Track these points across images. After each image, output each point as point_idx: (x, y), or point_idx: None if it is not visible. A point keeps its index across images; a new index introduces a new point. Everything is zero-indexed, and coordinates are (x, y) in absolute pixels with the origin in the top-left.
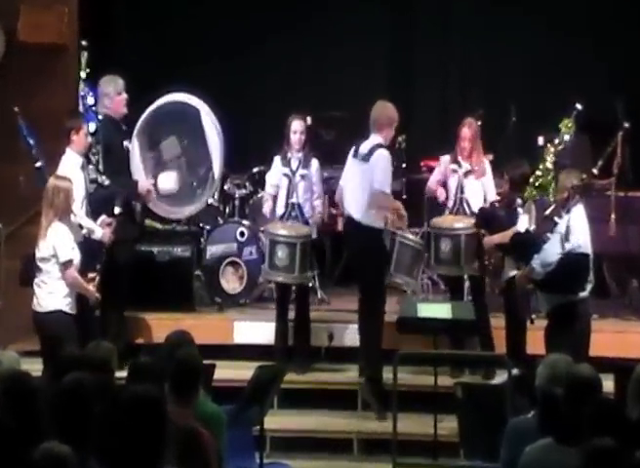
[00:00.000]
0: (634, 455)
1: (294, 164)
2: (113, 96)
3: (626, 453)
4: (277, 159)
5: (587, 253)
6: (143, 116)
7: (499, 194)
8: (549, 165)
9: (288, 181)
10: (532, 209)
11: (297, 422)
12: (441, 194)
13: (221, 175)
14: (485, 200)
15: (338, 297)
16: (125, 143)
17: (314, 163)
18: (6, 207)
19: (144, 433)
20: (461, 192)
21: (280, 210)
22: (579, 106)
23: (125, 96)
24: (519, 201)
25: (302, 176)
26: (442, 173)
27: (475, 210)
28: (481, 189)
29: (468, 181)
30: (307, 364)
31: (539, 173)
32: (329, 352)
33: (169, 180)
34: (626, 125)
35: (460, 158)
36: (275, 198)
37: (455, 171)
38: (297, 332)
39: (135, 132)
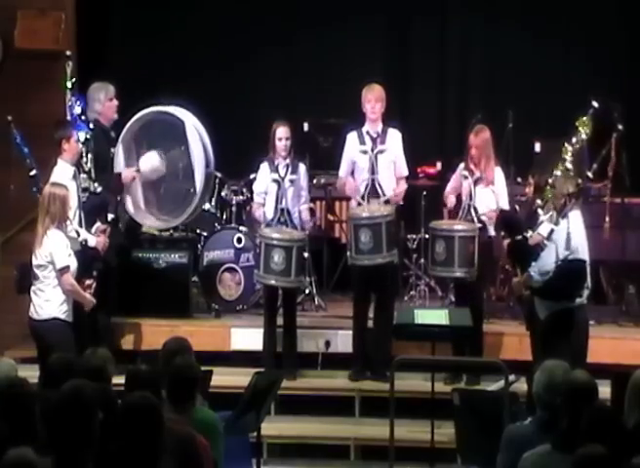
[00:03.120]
0: (630, 462)
1: (282, 170)
2: (104, 101)
3: (617, 460)
4: (264, 166)
5: (584, 260)
6: (129, 123)
7: (522, 201)
8: (569, 165)
9: (277, 187)
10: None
11: (294, 429)
12: (450, 202)
13: (204, 190)
14: (499, 210)
15: (335, 304)
16: (112, 150)
17: (302, 168)
18: (1, 214)
19: (141, 440)
20: (470, 199)
21: (269, 215)
22: (595, 104)
23: (116, 102)
24: (539, 202)
25: (292, 182)
26: (456, 179)
27: (483, 218)
28: (491, 197)
29: (478, 189)
30: (296, 369)
31: (558, 173)
32: (326, 358)
33: (149, 160)
34: (620, 127)
35: (471, 165)
36: (263, 205)
37: (465, 177)
38: (284, 338)
39: (120, 138)
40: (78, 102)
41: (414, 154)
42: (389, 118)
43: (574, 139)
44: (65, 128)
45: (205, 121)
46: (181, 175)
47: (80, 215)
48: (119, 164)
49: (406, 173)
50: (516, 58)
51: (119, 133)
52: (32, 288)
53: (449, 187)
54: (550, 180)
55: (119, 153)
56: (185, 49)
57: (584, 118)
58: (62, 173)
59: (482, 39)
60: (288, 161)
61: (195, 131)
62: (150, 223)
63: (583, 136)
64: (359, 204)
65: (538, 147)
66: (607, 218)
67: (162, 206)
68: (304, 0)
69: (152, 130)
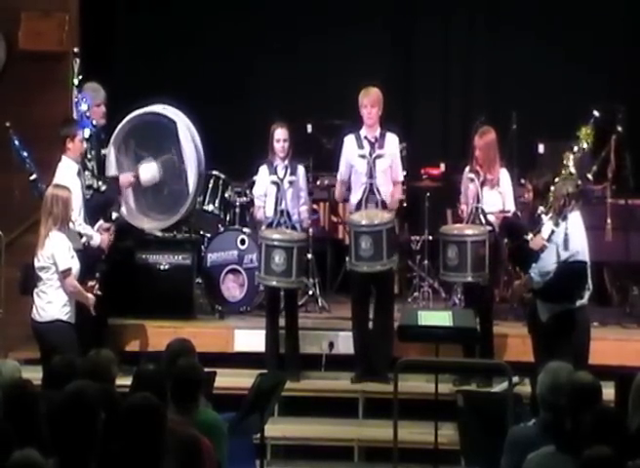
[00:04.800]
0: (633, 464)
1: (280, 172)
2: (92, 105)
3: (621, 462)
4: (263, 168)
5: (585, 261)
6: (120, 125)
7: (523, 203)
8: (572, 170)
9: (276, 189)
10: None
11: (297, 430)
12: (462, 211)
13: (196, 190)
14: (503, 210)
15: (338, 305)
16: (102, 151)
17: (300, 169)
18: (5, 215)
19: (143, 440)
20: (477, 202)
21: (269, 217)
22: (596, 113)
23: (103, 109)
24: (541, 208)
25: (291, 183)
26: (464, 185)
27: (491, 219)
28: (498, 199)
29: (485, 191)
30: (299, 370)
31: (563, 177)
32: (329, 360)
33: (150, 170)
34: (620, 129)
35: (476, 167)
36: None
37: (472, 180)
38: (287, 339)
39: (111, 140)
40: (84, 99)
41: (417, 155)
42: (393, 119)
43: (575, 148)
44: (71, 126)
45: (208, 122)
46: (174, 176)
47: (84, 213)
48: (111, 165)
49: (401, 178)
50: (519, 61)
51: (110, 134)
52: (35, 290)
53: (463, 197)
54: (552, 180)
55: (110, 155)
56: (188, 51)
57: (586, 128)
58: (67, 169)
59: (485, 41)
60: (286, 162)
61: (187, 131)
62: (144, 225)
63: (585, 146)
64: (357, 207)
65: (541, 149)
66: (608, 220)
67: (154, 207)
68: (308, 2)
69: (144, 131)
